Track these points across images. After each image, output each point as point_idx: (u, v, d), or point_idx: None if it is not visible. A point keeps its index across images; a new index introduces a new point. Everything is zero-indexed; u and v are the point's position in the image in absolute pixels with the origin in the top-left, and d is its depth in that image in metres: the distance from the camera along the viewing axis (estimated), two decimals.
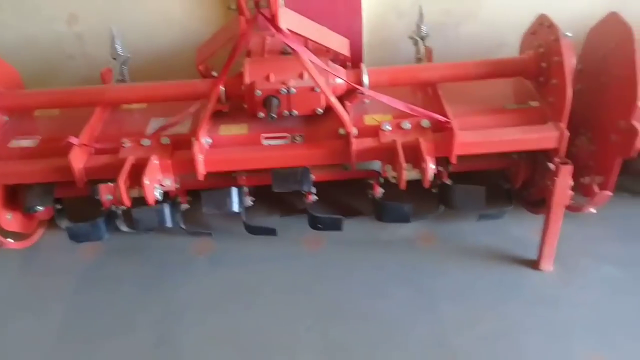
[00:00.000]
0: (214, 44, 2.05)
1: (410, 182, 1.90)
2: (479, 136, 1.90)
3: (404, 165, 1.81)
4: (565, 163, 1.90)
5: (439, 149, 1.90)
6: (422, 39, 2.34)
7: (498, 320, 1.98)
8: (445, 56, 2.28)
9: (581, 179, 2.16)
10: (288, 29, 1.73)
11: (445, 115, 1.92)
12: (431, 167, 1.85)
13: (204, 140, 1.95)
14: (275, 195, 2.14)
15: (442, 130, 1.92)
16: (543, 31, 2.04)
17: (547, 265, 2.15)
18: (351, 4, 2.30)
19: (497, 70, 2.08)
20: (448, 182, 2.22)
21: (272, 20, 1.64)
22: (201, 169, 1.93)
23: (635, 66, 1.83)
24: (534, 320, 1.97)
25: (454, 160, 1.91)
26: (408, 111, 1.90)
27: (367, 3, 2.41)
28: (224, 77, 1.92)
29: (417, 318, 2.01)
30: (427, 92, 2.16)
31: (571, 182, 1.95)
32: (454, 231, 2.36)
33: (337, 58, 2.14)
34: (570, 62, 1.90)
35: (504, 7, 2.41)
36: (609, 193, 2.06)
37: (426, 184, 1.85)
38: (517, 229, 2.32)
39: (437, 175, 2.23)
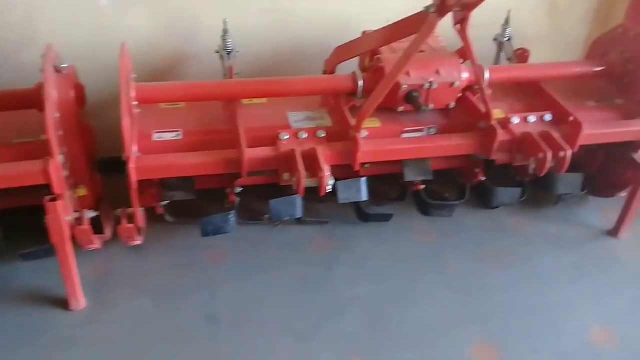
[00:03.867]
0: None
1: None
2: None
3: None
4: (53, 200, 1.83)
5: None
6: None
7: None
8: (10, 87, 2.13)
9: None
10: None
11: None
12: None
13: None
14: None
15: None
16: None
17: (75, 303, 2.07)
18: None
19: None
20: None
21: None
22: None
23: None
24: None
25: None
26: None
27: None
28: None
29: None
30: None
31: (68, 218, 1.89)
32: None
33: None
34: (50, 92, 1.84)
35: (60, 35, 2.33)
36: (129, 226, 2.06)
37: None
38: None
39: None
